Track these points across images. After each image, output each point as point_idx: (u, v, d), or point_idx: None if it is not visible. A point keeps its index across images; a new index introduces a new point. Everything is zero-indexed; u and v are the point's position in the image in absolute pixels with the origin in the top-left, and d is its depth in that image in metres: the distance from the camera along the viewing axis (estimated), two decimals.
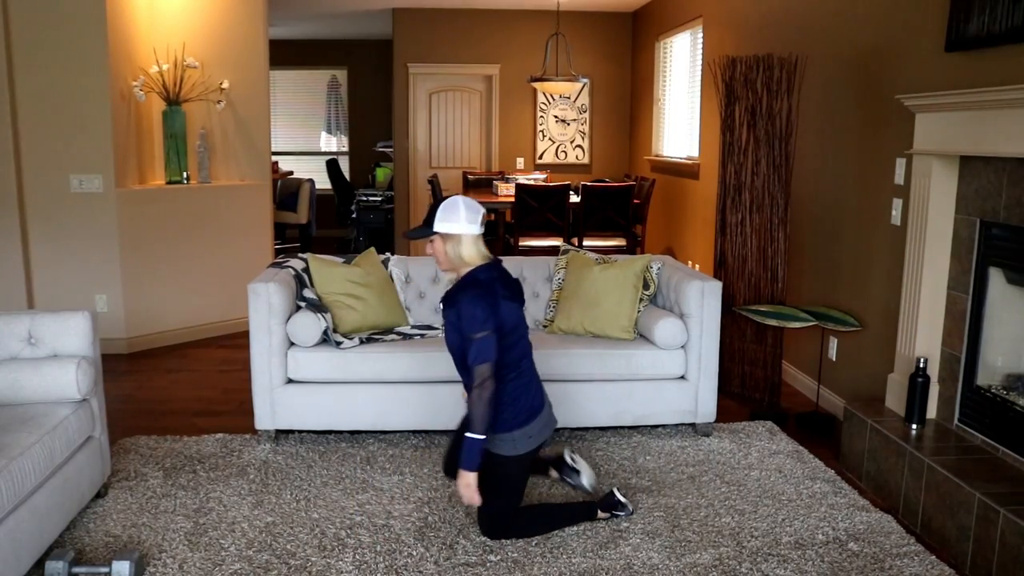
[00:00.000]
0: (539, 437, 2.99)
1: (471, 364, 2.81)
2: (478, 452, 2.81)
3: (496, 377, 2.82)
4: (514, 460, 2.95)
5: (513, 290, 2.98)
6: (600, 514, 3.17)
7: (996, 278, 3.31)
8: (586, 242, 6.79)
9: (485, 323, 2.79)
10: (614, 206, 6.77)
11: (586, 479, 3.30)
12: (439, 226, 2.90)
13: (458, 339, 2.89)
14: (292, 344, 3.89)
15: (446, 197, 2.97)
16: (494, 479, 2.95)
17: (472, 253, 2.92)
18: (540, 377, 3.08)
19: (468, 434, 2.81)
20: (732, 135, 4.65)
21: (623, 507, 3.20)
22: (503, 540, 3.02)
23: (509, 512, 3.01)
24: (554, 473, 3.40)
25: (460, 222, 2.89)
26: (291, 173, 10.49)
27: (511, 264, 4.53)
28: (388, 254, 4.47)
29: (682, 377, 4.05)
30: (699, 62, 6.90)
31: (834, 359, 4.51)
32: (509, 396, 2.92)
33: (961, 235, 3.43)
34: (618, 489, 3.25)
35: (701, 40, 6.84)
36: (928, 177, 3.49)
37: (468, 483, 2.83)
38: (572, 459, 3.34)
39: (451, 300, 2.90)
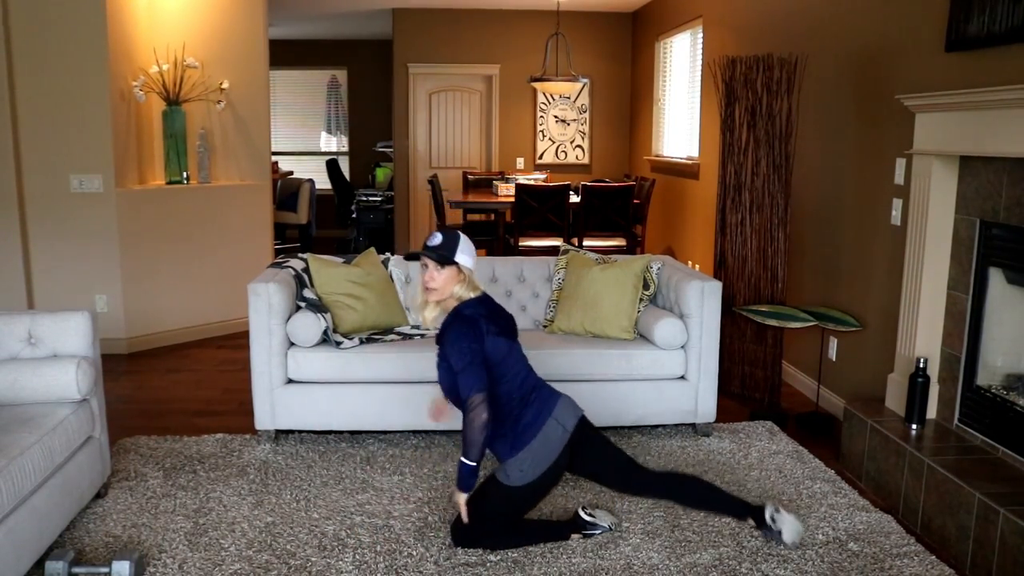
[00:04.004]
0: (534, 470, 2.87)
1: (463, 396, 2.81)
2: (468, 476, 2.83)
3: (490, 405, 2.80)
4: (512, 489, 2.90)
5: (501, 325, 2.95)
6: (572, 535, 3.05)
7: (996, 278, 3.31)
8: (586, 242, 6.79)
9: (470, 356, 2.80)
10: (614, 206, 6.77)
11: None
12: (463, 259, 2.89)
13: (448, 375, 2.89)
14: (292, 344, 3.89)
15: (448, 227, 2.91)
16: (489, 496, 2.94)
17: (470, 289, 2.92)
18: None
19: (461, 458, 2.83)
20: (732, 135, 4.65)
21: (593, 526, 3.07)
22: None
23: (485, 528, 2.96)
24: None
25: (473, 260, 2.93)
26: (291, 173, 10.50)
27: (511, 264, 4.53)
28: (388, 254, 4.47)
29: (682, 377, 4.05)
30: (699, 62, 6.90)
31: (834, 359, 4.51)
32: (509, 422, 2.90)
33: (961, 235, 3.43)
34: (584, 508, 3.11)
35: (701, 40, 6.84)
36: (928, 177, 3.49)
37: (459, 503, 2.89)
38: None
39: (440, 337, 2.93)
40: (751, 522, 3.02)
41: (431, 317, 2.99)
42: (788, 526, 2.93)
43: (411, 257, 3.01)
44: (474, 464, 2.81)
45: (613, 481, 3.07)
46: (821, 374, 4.53)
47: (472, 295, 2.93)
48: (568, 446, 2.91)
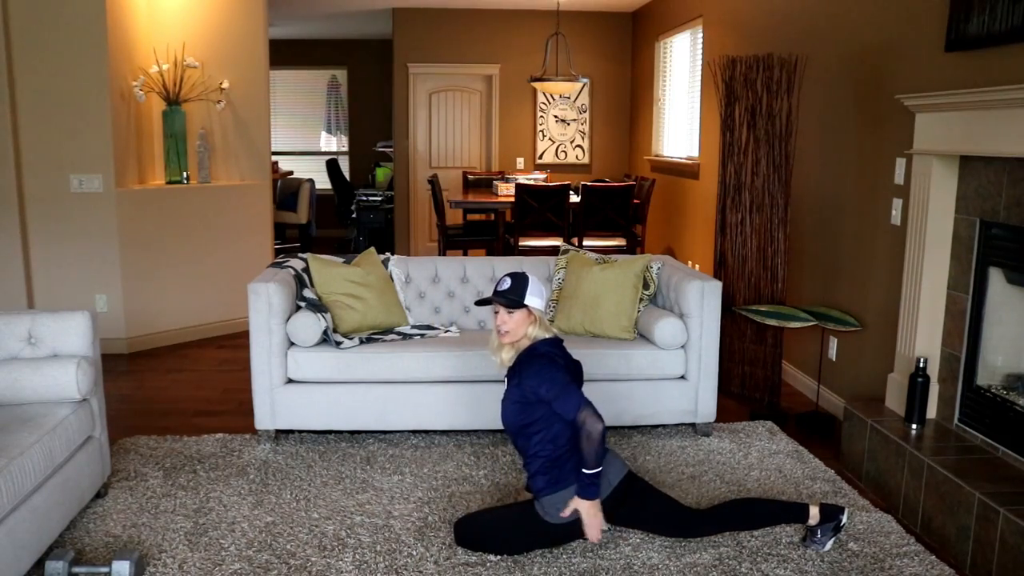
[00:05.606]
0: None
1: (569, 418, 2.82)
2: (591, 483, 2.83)
3: (595, 415, 2.82)
4: (546, 525, 2.91)
5: (572, 371, 3.02)
6: None
7: (996, 278, 3.31)
8: (586, 242, 6.79)
9: (562, 380, 2.86)
10: (614, 206, 6.77)
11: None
12: (532, 301, 2.94)
13: (515, 410, 2.92)
14: (292, 344, 3.89)
15: (518, 273, 2.97)
16: (521, 524, 2.94)
17: (543, 330, 3.00)
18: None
19: (583, 470, 2.82)
20: (732, 135, 4.65)
21: None
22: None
23: (499, 540, 2.96)
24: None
25: (544, 301, 2.98)
26: (291, 173, 10.50)
27: (511, 264, 4.53)
28: (388, 254, 4.47)
29: (682, 377, 4.05)
30: (699, 62, 6.90)
31: (834, 359, 4.51)
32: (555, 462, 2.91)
33: (961, 235, 3.43)
34: None
35: (701, 40, 6.84)
36: (928, 177, 3.49)
37: (588, 511, 2.85)
38: None
39: (514, 371, 2.96)
40: (813, 519, 2.99)
41: (507, 358, 3.05)
42: (834, 540, 3.01)
43: (482, 303, 3.10)
44: (595, 471, 2.81)
45: (667, 530, 3.04)
46: (821, 374, 4.53)
47: (546, 335, 3.01)
48: (609, 500, 2.93)
